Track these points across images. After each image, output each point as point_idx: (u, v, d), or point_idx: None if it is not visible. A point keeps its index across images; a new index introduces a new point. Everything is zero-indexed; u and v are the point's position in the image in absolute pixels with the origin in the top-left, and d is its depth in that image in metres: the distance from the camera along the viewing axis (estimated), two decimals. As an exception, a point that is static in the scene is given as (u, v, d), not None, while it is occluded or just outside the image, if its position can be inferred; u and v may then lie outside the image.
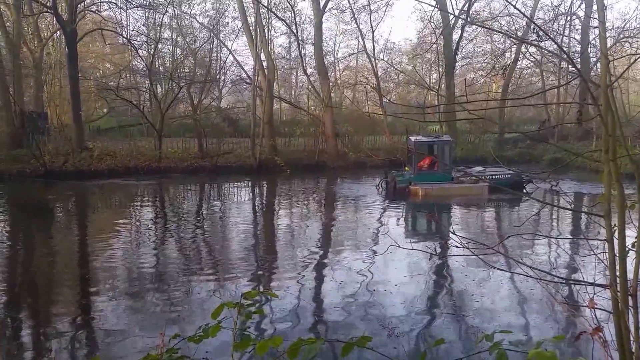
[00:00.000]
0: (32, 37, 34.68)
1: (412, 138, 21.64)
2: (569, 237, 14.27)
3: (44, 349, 7.32)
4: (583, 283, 3.20)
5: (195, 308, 8.71)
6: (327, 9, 34.48)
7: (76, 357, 7.01)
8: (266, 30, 33.73)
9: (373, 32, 37.96)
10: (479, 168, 20.91)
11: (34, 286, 10.42)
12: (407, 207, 19.27)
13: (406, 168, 21.83)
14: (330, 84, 35.90)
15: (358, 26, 38.57)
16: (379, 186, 22.12)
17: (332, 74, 42.63)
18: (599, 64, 30.61)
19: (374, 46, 38.33)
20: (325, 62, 36.11)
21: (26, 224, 16.98)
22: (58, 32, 35.07)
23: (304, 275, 10.40)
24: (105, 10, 37.16)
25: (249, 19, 32.33)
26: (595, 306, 2.87)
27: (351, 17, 38.70)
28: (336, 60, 46.31)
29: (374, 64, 37.30)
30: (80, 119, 30.08)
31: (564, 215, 16.65)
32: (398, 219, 17.61)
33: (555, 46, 26.45)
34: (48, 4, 28.47)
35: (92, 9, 34.04)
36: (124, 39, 36.97)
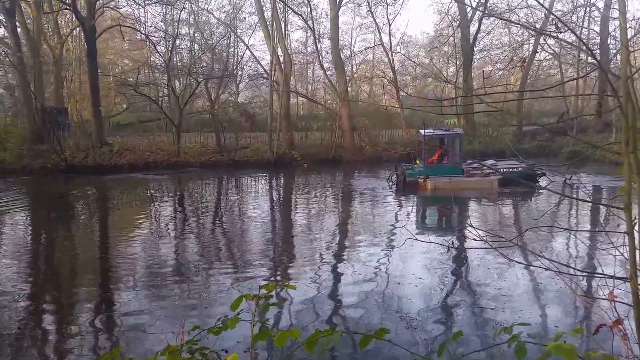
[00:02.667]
0: (52, 34, 35.14)
1: (422, 131, 21.57)
2: (589, 229, 14.10)
3: (67, 340, 7.46)
4: (603, 276, 3.17)
5: (215, 300, 8.79)
6: (343, 2, 34.40)
7: (97, 349, 7.13)
8: (283, 25, 33.76)
9: (390, 25, 37.85)
10: (491, 161, 20.76)
11: (56, 278, 10.63)
12: (417, 200, 19.21)
13: (417, 161, 21.78)
14: (347, 78, 35.79)
15: (374, 20, 38.43)
16: (389, 180, 22.09)
17: (349, 67, 42.49)
18: (618, 56, 30.07)
19: (390, 40, 38.19)
20: (342, 56, 36.01)
21: (48, 217, 17.27)
22: (77, 29, 35.44)
23: (320, 268, 10.45)
24: (124, 6, 37.50)
25: (265, 14, 32.39)
26: (616, 299, 2.85)
27: (367, 11, 38.58)
28: (353, 54, 46.18)
29: (391, 58, 37.12)
30: (100, 115, 30.43)
31: (582, 209, 16.45)
32: (408, 213, 17.53)
33: (573, 38, 26.11)
34: (67, 1, 28.79)
35: (111, 6, 34.36)
36: (143, 35, 37.25)
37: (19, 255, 12.04)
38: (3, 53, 31.09)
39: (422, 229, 15.07)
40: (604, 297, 2.94)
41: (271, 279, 10.00)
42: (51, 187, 23.08)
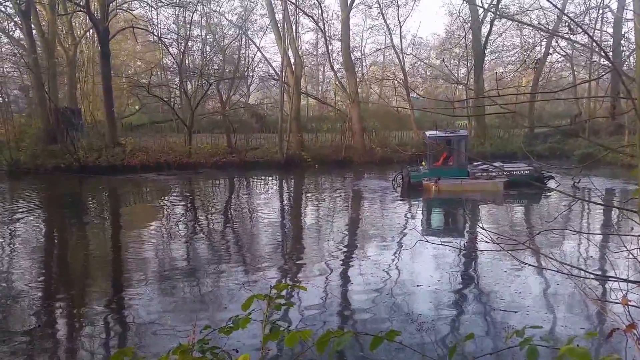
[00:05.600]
0: (66, 35, 35.43)
1: (428, 133, 21.43)
2: (601, 232, 13.94)
3: (79, 338, 7.51)
4: (616, 279, 3.15)
5: (226, 300, 8.81)
6: (354, 4, 34.33)
7: (109, 347, 7.18)
8: (294, 27, 33.81)
9: (400, 27, 37.64)
10: (497, 163, 20.58)
11: (70, 276, 10.71)
12: (423, 202, 19.12)
13: (422, 163, 21.68)
14: (357, 79, 35.76)
15: (385, 21, 38.32)
16: (394, 181, 22.02)
17: (359, 69, 42.45)
18: (631, 58, 29.77)
19: (401, 41, 38.05)
20: (352, 58, 35.99)
21: (62, 217, 17.42)
22: (91, 31, 35.72)
23: (331, 269, 10.43)
24: (137, 8, 37.80)
25: (276, 16, 32.45)
26: (629, 303, 2.82)
27: (378, 13, 38.50)
28: (363, 56, 46.10)
29: (402, 59, 37.01)
30: (113, 116, 30.65)
31: (593, 212, 16.25)
32: (413, 215, 17.41)
33: (586, 40, 25.88)
34: (81, 3, 29.05)
35: (124, 8, 34.63)
36: (155, 37, 37.54)
37: (34, 254, 12.15)
38: (18, 54, 31.42)
39: (431, 231, 15.00)
40: (617, 300, 2.91)
41: (282, 279, 10.01)
42: (65, 187, 23.27)
